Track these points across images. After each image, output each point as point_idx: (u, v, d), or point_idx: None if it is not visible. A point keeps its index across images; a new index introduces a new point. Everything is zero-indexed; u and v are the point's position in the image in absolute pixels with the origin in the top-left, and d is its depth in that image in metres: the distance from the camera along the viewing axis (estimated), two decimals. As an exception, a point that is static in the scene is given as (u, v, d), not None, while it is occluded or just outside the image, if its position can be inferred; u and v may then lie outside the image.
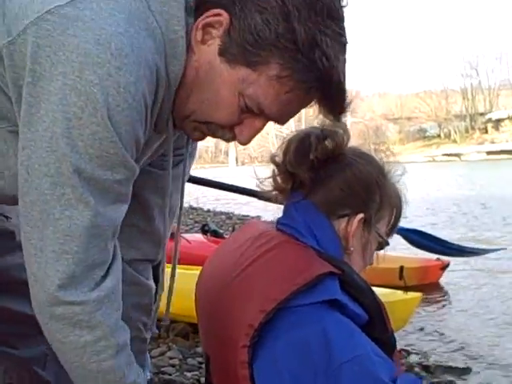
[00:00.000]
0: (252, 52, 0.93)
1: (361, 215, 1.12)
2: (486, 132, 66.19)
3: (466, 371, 3.47)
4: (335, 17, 0.95)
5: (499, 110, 66.80)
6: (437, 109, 71.51)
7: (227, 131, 1.03)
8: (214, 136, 1.06)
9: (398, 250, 6.92)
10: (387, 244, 1.19)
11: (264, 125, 1.02)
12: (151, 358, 2.23)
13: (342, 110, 1.01)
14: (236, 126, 1.01)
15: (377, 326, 1.08)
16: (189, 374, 2.93)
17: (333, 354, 0.97)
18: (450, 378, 3.36)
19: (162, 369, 2.97)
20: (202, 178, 3.71)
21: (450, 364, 3.49)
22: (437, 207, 12.11)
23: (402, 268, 3.84)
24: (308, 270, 1.02)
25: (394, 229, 1.20)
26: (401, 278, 3.77)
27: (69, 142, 0.88)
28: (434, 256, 5.50)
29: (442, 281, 5.51)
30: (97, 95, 0.86)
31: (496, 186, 18.49)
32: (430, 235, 4.44)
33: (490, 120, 66.14)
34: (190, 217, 9.52)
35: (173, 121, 1.05)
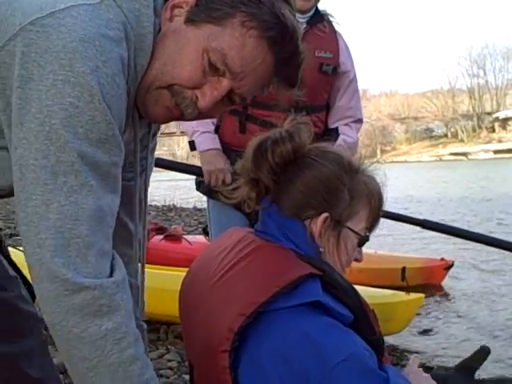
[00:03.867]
0: (217, 8, 0.99)
1: (324, 215, 1.11)
2: (494, 131, 66.07)
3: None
4: None
5: (507, 110, 66.59)
6: (443, 108, 71.43)
7: (190, 99, 1.03)
8: (178, 108, 1.05)
9: (402, 250, 6.93)
10: (367, 240, 1.17)
11: (227, 89, 1.02)
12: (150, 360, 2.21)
13: (296, 78, 1.06)
14: (198, 90, 1.02)
15: (363, 326, 1.06)
16: (187, 377, 2.90)
17: (325, 355, 0.95)
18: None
19: (161, 371, 2.95)
20: None
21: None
22: (445, 206, 12.05)
23: (404, 269, 3.81)
24: (288, 272, 1.01)
25: (375, 223, 1.18)
26: (403, 279, 3.73)
27: (70, 130, 0.91)
28: (438, 256, 5.48)
29: (446, 281, 5.45)
30: (91, 83, 0.91)
31: (505, 185, 18.44)
32: None
33: (497, 119, 66.01)
34: (195, 218, 9.50)
35: (137, 110, 1.08)
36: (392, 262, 4.85)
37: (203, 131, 2.40)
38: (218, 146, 2.43)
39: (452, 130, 69.19)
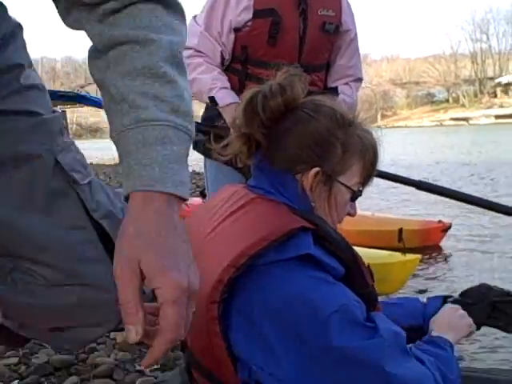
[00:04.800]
0: None
1: (316, 169, 1.09)
2: (495, 96, 65.64)
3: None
4: None
5: (509, 75, 66.00)
6: (445, 73, 70.80)
7: None
8: None
9: (400, 213, 6.95)
10: (359, 195, 1.16)
11: None
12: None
13: None
14: None
15: (356, 279, 1.06)
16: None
17: (316, 307, 0.96)
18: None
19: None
20: None
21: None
22: (444, 171, 12.04)
23: (401, 230, 3.80)
24: (279, 225, 1.00)
25: (369, 177, 1.17)
26: (400, 241, 3.73)
27: None
28: (436, 218, 5.49)
29: (443, 243, 5.48)
30: None
31: (505, 150, 18.39)
32: None
33: (499, 84, 65.49)
34: (193, 181, 9.51)
35: None
36: (389, 223, 4.87)
37: (222, 87, 2.38)
38: (238, 99, 2.42)
39: (453, 95, 68.68)
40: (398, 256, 3.63)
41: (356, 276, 1.07)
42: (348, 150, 1.11)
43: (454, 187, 2.79)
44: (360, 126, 1.15)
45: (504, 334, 1.44)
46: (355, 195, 1.15)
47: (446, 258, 5.17)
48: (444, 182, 9.63)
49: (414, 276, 4.20)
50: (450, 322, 1.26)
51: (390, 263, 3.53)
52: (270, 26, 2.22)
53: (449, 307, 1.31)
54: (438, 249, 5.31)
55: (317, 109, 1.13)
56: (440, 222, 5.29)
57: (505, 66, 68.16)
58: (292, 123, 1.11)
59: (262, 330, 0.97)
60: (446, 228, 5.24)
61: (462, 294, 1.38)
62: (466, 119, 60.44)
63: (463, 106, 65.39)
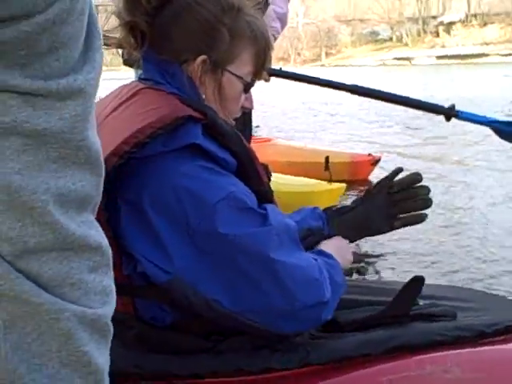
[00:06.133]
0: None
1: (202, 57, 1.07)
2: (438, 36, 66.08)
3: (376, 257, 3.64)
4: None
5: (452, 13, 66.44)
6: (390, 11, 70.53)
7: None
8: None
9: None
10: (252, 85, 1.15)
11: None
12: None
13: None
14: None
15: (249, 174, 1.07)
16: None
17: (204, 196, 0.97)
18: (361, 265, 3.53)
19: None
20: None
21: (364, 251, 3.61)
22: (388, 112, 12.20)
23: (327, 158, 3.85)
24: (166, 113, 0.98)
25: (261, 67, 1.15)
26: (326, 169, 3.81)
27: None
28: (365, 151, 5.62)
29: (373, 176, 5.61)
30: None
31: (446, 87, 18.71)
32: None
33: (441, 23, 65.86)
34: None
35: None
36: (319, 155, 4.97)
37: None
38: None
39: (397, 33, 68.81)
40: (324, 184, 3.74)
41: (250, 172, 1.07)
42: (235, 36, 1.09)
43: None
44: (249, 11, 1.12)
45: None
46: (248, 86, 1.13)
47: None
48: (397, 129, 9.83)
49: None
50: (338, 250, 1.27)
51: (316, 191, 3.64)
52: None
53: (339, 238, 1.33)
54: (367, 182, 5.45)
55: None
56: (370, 155, 5.41)
57: (448, 4, 68.44)
58: (176, 10, 1.08)
59: (150, 222, 0.98)
60: (375, 161, 5.36)
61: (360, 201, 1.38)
62: (408, 59, 60.84)
63: (406, 45, 65.73)
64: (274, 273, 1.01)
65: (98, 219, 0.95)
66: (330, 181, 3.75)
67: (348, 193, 4.53)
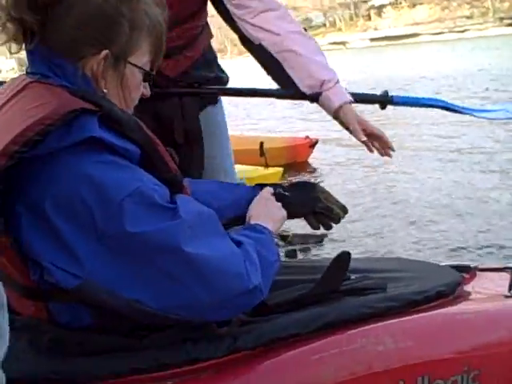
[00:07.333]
0: None
1: (105, 52, 1.02)
2: (370, 19, 67.32)
3: (320, 238, 3.66)
4: None
5: (381, -4, 67.78)
6: (321, -3, 71.42)
7: None
8: None
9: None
10: (151, 74, 1.11)
11: None
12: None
13: None
14: None
15: (155, 163, 1.02)
16: None
17: (108, 195, 0.92)
18: (306, 245, 3.54)
19: None
20: None
21: (307, 232, 3.62)
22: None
23: (261, 144, 3.85)
24: (56, 107, 0.92)
25: (158, 54, 1.11)
26: (261, 155, 3.80)
27: None
28: (302, 134, 5.65)
29: (312, 159, 5.66)
30: None
31: (381, 69, 19.06)
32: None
33: (372, 7, 67.11)
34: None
35: None
36: (252, 142, 4.96)
37: None
38: None
39: (330, 19, 69.66)
40: (260, 170, 3.72)
41: (155, 160, 1.02)
42: (135, 28, 1.04)
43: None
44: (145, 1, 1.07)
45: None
46: (148, 75, 1.10)
47: (311, 171, 5.36)
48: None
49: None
50: (267, 212, 1.25)
51: (251, 177, 3.61)
52: None
53: (265, 193, 1.30)
54: (307, 165, 5.49)
55: None
56: (307, 137, 5.44)
57: (377, -12, 69.74)
58: (68, 4, 1.00)
59: (52, 224, 0.93)
60: (313, 143, 5.40)
61: (289, 187, 1.37)
62: (343, 43, 61.70)
63: (340, 29, 66.65)
64: (190, 266, 0.96)
65: None
66: (267, 166, 3.73)
67: (287, 177, 4.54)
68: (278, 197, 1.31)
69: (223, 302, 1.01)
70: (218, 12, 1.94)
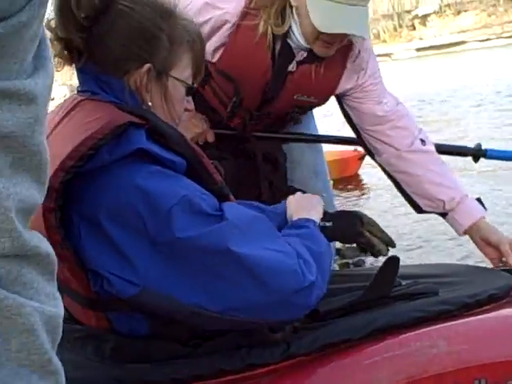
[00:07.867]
0: None
1: (147, 65, 1.06)
2: (414, 29, 66.55)
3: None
4: None
5: (425, 6, 66.96)
6: (364, 10, 71.01)
7: None
8: None
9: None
10: (194, 88, 1.15)
11: None
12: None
13: None
14: None
15: (201, 174, 1.05)
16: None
17: (157, 203, 0.95)
18: (360, 258, 3.51)
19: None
20: None
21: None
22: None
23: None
24: (106, 122, 0.96)
25: (200, 68, 1.15)
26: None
27: None
28: (351, 147, 5.60)
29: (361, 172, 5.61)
30: None
31: (427, 80, 18.77)
32: None
33: (416, 16, 66.37)
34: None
35: None
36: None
37: None
38: None
39: (374, 31, 69.22)
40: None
41: (201, 171, 1.05)
42: (175, 42, 1.09)
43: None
44: (181, 15, 1.12)
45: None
46: (190, 89, 1.14)
47: (362, 186, 5.31)
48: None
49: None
50: (305, 204, 1.26)
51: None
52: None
53: (296, 194, 1.32)
54: (356, 178, 5.44)
55: (136, 0, 1.08)
56: (356, 150, 5.35)
57: (421, -3, 69.06)
58: (111, 20, 1.05)
59: (108, 234, 0.96)
60: (362, 156, 5.31)
61: (333, 216, 1.32)
62: (388, 55, 61.17)
63: (384, 41, 66.12)
64: (241, 266, 0.98)
65: (55, 238, 0.95)
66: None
67: (336, 190, 4.53)
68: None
69: (281, 302, 1.01)
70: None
